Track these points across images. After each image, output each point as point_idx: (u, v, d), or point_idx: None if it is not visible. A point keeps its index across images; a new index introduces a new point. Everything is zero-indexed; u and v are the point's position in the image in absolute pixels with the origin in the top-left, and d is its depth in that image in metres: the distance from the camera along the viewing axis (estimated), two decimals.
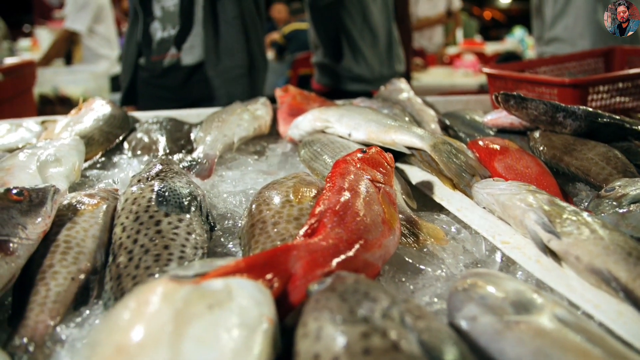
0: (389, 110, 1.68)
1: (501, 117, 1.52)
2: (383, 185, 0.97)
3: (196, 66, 2.56)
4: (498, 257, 0.94)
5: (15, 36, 7.03)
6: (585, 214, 0.87)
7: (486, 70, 1.94)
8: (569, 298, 0.77)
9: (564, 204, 0.91)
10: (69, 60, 5.34)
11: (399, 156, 1.31)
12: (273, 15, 7.04)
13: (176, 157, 1.48)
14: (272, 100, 1.91)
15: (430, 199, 1.17)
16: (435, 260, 0.92)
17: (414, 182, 1.25)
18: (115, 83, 4.39)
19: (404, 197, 1.12)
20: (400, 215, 0.99)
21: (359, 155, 1.05)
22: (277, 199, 0.98)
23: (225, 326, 0.55)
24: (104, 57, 4.73)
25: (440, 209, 1.12)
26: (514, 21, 11.96)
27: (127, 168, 1.47)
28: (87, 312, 0.82)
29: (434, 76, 5.07)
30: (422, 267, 0.91)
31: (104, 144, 1.59)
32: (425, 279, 0.89)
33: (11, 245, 0.82)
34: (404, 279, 0.88)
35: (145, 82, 2.72)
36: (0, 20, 5.55)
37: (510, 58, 5.54)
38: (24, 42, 6.75)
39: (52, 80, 4.08)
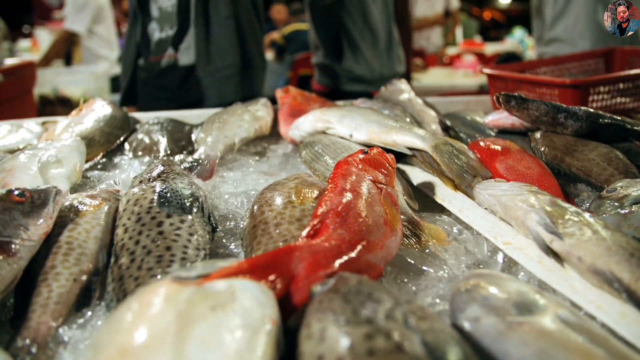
0: (390, 111, 1.68)
1: (502, 117, 1.52)
2: (385, 186, 0.97)
3: (193, 66, 2.56)
4: (500, 258, 0.94)
5: (15, 37, 7.03)
6: (587, 215, 0.87)
7: (487, 71, 1.94)
8: (572, 299, 0.77)
9: (566, 204, 0.91)
10: (68, 60, 5.34)
11: (400, 157, 1.31)
12: (273, 16, 7.04)
13: (177, 158, 1.48)
14: (273, 101, 1.91)
15: (432, 200, 1.17)
16: (437, 261, 0.92)
17: (415, 183, 1.25)
18: (115, 84, 4.39)
19: (405, 198, 1.12)
20: (402, 216, 0.99)
21: (361, 156, 1.05)
22: (279, 200, 0.98)
23: (228, 327, 0.55)
24: (103, 58, 4.73)
25: (441, 209, 1.12)
26: (514, 22, 11.97)
27: (128, 169, 1.47)
28: (89, 313, 0.82)
29: (434, 77, 5.07)
30: (424, 268, 0.91)
31: (105, 144, 1.59)
32: (428, 280, 0.89)
33: (13, 246, 0.82)
34: (406, 280, 0.89)
35: (144, 83, 2.73)
36: (0, 21, 5.55)
37: (510, 59, 5.54)
38: (23, 43, 6.75)
39: (52, 81, 4.08)
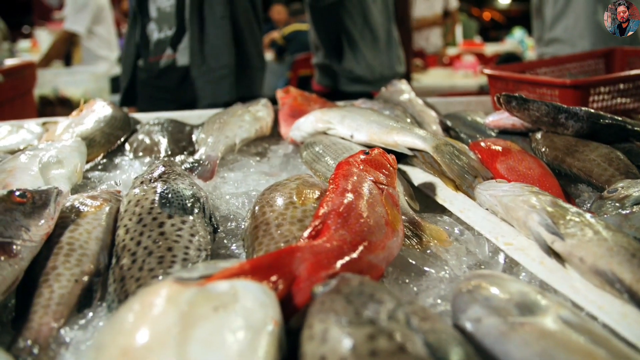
0: (391, 112, 1.68)
1: (503, 118, 1.53)
2: (386, 187, 0.97)
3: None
4: (501, 258, 0.95)
5: (14, 37, 7.03)
6: (588, 216, 0.87)
7: (487, 71, 1.94)
8: (573, 299, 0.77)
9: (567, 205, 0.91)
10: (68, 61, 5.34)
11: (401, 158, 1.31)
12: (272, 16, 7.03)
13: (178, 158, 1.48)
14: (273, 101, 1.91)
15: (433, 201, 1.17)
16: (438, 261, 0.92)
17: (416, 183, 1.25)
18: (115, 84, 4.39)
19: (406, 198, 1.12)
20: (403, 217, 0.99)
21: (362, 156, 1.05)
22: (280, 201, 0.98)
23: (230, 328, 0.55)
24: (103, 58, 4.73)
25: (442, 210, 1.12)
26: (513, 22, 11.98)
27: (129, 169, 1.47)
28: (91, 314, 0.82)
29: (434, 77, 5.07)
30: (425, 268, 0.91)
31: (106, 145, 1.59)
32: (429, 280, 0.89)
33: (14, 247, 0.82)
34: (407, 281, 0.89)
35: (143, 83, 2.74)
36: (0, 21, 5.55)
37: (510, 59, 5.55)
38: (23, 44, 6.75)
39: (52, 81, 4.08)
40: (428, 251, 0.94)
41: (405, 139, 1.30)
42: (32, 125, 1.73)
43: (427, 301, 0.83)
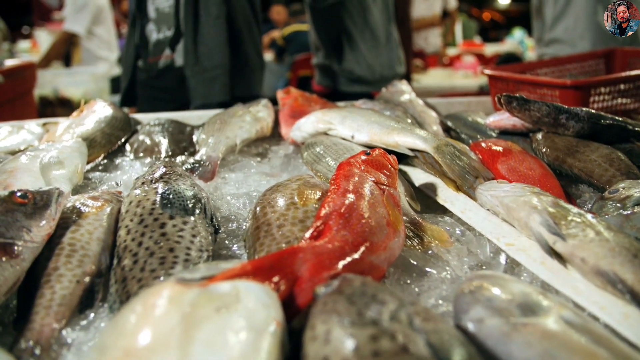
0: (391, 112, 1.68)
1: (503, 118, 1.53)
2: (387, 188, 0.97)
3: None
4: (502, 259, 0.94)
5: (14, 38, 7.04)
6: (589, 216, 0.87)
7: (487, 72, 1.94)
8: (575, 300, 0.77)
9: (569, 205, 0.91)
10: (67, 62, 5.34)
11: (402, 158, 1.31)
12: (272, 17, 7.03)
13: (178, 159, 1.48)
14: (273, 101, 1.91)
15: (434, 201, 1.17)
16: (440, 262, 0.92)
17: (417, 184, 1.25)
18: (115, 85, 4.40)
19: (407, 199, 1.12)
20: (405, 218, 0.99)
21: (363, 157, 1.05)
22: (281, 201, 0.98)
23: (233, 329, 0.55)
24: (102, 59, 4.74)
25: (444, 211, 1.12)
26: (513, 22, 11.98)
27: (130, 170, 1.47)
28: (93, 315, 0.82)
29: (434, 78, 5.07)
30: (427, 269, 0.91)
31: (106, 146, 1.59)
32: (430, 281, 0.89)
33: (16, 248, 0.82)
34: (409, 281, 0.89)
35: (143, 84, 2.74)
36: (0, 22, 5.55)
37: (510, 59, 5.54)
38: (23, 44, 6.75)
39: (52, 82, 4.08)
40: (429, 252, 0.94)
41: (406, 140, 1.30)
42: (33, 125, 1.73)
43: (429, 302, 0.83)
